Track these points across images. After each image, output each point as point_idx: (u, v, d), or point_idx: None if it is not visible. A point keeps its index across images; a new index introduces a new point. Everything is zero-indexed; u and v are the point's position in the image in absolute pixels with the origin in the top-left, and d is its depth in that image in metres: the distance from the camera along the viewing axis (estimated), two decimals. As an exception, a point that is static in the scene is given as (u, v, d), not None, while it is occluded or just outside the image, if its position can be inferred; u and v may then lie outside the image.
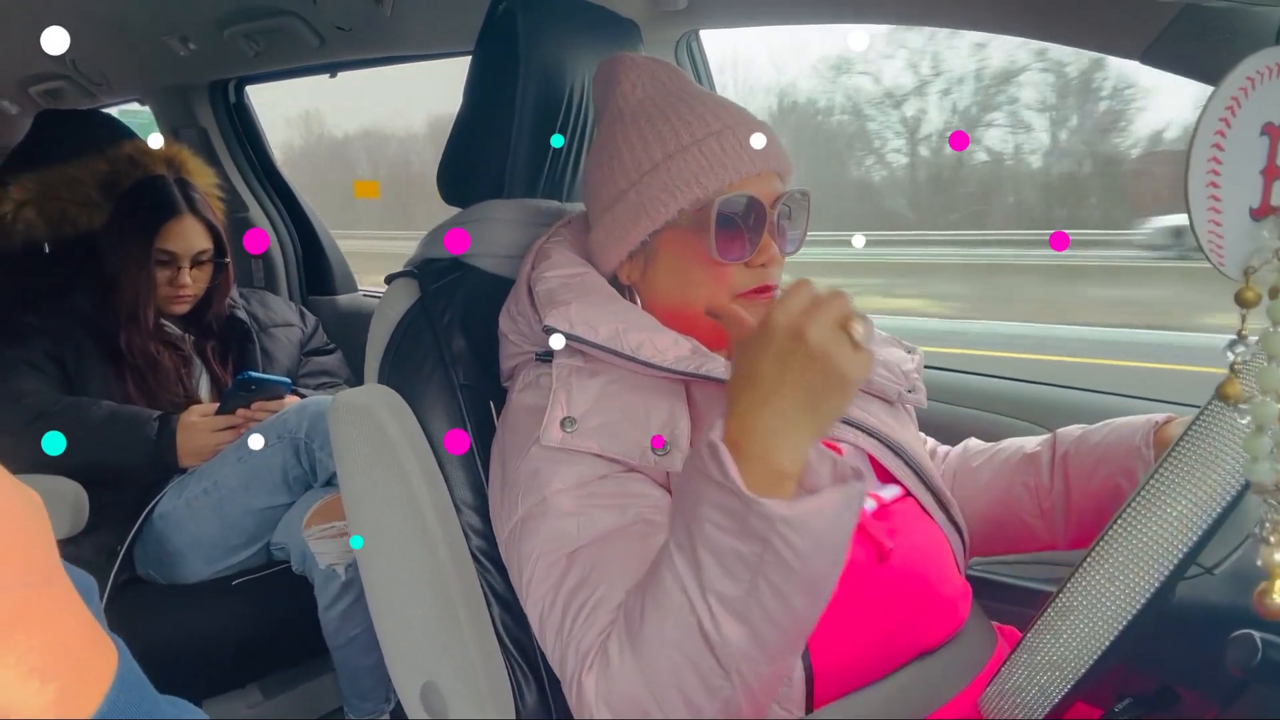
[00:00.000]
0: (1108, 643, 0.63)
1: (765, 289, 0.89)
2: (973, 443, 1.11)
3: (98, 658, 0.35)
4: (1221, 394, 0.52)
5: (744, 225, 0.86)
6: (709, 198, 0.85)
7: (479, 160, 1.04)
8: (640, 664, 0.66)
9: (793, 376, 0.62)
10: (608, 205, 0.91)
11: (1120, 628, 0.62)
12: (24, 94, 2.39)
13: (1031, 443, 1.03)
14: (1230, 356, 0.52)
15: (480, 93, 1.03)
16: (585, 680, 0.69)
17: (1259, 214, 0.52)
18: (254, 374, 1.65)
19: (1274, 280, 0.50)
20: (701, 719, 0.66)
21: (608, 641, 0.69)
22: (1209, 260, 0.52)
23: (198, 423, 1.59)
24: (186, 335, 1.79)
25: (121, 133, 1.99)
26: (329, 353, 2.03)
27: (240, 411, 1.62)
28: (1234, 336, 0.51)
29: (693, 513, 0.63)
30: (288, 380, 1.70)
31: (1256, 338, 0.51)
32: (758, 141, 0.88)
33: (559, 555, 0.77)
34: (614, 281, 0.94)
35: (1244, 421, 0.51)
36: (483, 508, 0.92)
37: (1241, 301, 0.51)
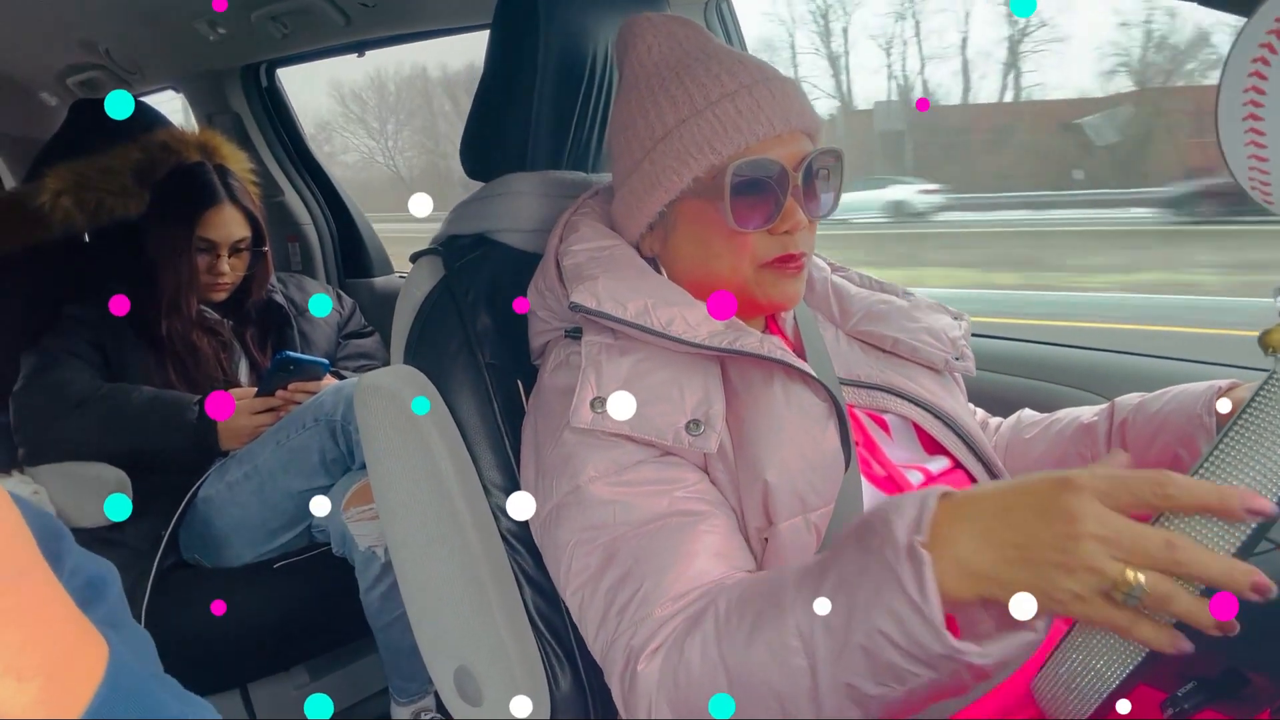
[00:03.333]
0: None
1: (791, 258, 0.84)
2: (1026, 413, 1.06)
3: (84, 655, 0.34)
4: (1264, 342, 0.48)
5: (764, 190, 0.81)
6: (724, 164, 0.81)
7: (500, 133, 1.00)
8: (730, 688, 0.63)
9: (1059, 582, 0.52)
10: (625, 177, 0.88)
11: None
12: (61, 85, 2.41)
13: (1088, 413, 0.98)
14: (1279, 303, 0.47)
15: (500, 62, 0.99)
16: (644, 669, 0.67)
17: None
18: (292, 354, 1.65)
19: None
20: None
21: (686, 641, 0.65)
22: (1253, 198, 0.48)
23: (236, 405, 1.60)
24: (225, 321, 1.80)
25: (154, 120, 1.99)
26: (367, 335, 2.03)
27: (279, 393, 1.63)
28: None
29: (863, 607, 0.56)
30: (326, 361, 1.70)
31: None
32: (778, 99, 0.82)
33: (595, 545, 0.75)
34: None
35: None
36: (512, 489, 0.90)
37: None
